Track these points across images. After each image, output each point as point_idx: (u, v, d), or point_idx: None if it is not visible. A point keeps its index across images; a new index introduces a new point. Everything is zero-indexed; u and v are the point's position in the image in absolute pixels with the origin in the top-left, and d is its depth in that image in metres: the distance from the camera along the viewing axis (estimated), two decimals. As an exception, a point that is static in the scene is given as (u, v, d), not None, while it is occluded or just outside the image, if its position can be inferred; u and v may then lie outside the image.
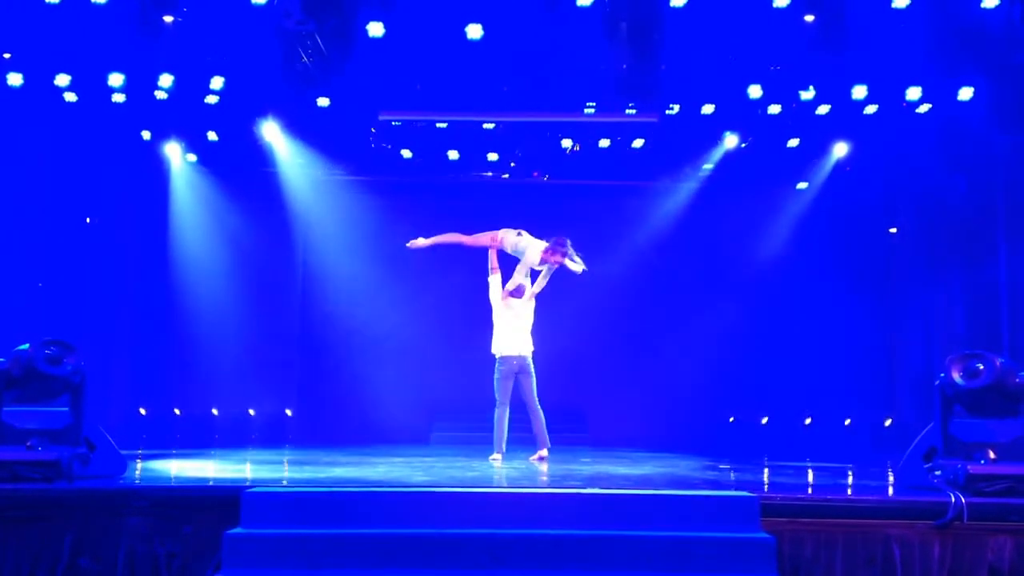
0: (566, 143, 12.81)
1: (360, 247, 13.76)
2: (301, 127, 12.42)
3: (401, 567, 5.09)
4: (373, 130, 12.61)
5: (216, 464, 8.42)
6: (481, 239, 8.97)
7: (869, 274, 13.77)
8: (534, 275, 8.88)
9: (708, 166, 13.23)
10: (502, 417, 8.64)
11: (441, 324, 13.51)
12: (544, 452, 8.65)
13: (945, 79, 10.58)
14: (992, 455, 5.94)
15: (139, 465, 7.81)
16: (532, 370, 8.71)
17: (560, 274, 8.93)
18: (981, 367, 6.13)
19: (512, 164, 13.12)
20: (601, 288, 13.48)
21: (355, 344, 13.72)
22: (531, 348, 8.77)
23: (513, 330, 8.71)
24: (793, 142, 12.54)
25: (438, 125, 12.31)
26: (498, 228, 8.99)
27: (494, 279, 8.90)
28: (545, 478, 7.04)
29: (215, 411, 13.58)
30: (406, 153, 12.96)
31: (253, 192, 13.61)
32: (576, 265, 8.73)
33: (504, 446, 8.59)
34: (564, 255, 8.63)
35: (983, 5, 9.08)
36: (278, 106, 11.93)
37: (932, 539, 5.41)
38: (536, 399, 8.67)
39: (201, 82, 10.90)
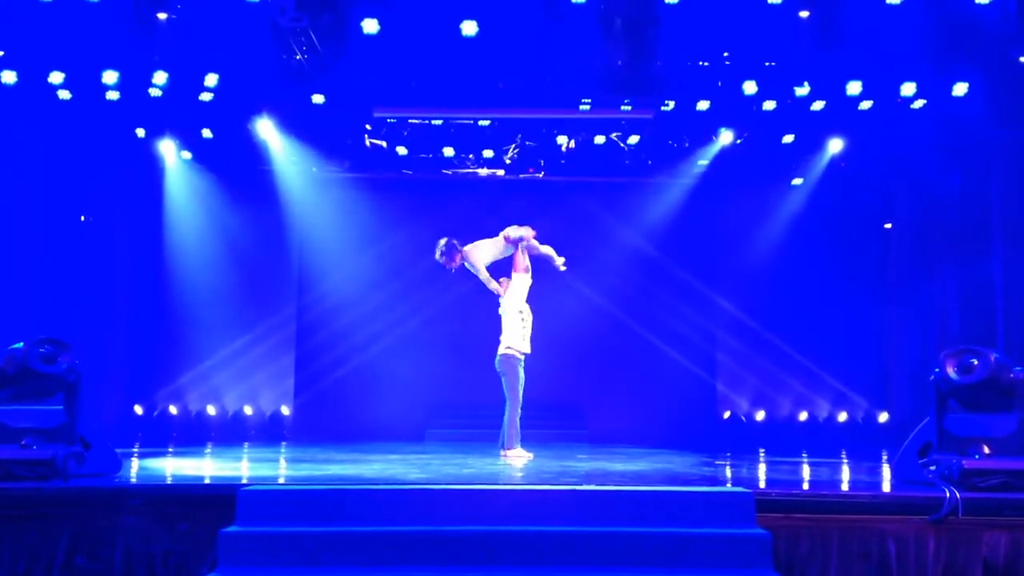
0: (562, 140, 12.81)
1: (355, 244, 13.75)
2: (296, 124, 12.40)
3: (397, 564, 5.09)
4: (369, 127, 12.59)
5: (212, 462, 8.41)
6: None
7: (864, 270, 13.80)
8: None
9: (703, 162, 13.23)
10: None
11: (437, 322, 13.52)
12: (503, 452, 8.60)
13: (940, 75, 10.59)
14: (987, 450, 5.96)
15: (134, 464, 7.79)
16: (502, 370, 8.59)
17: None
18: (976, 363, 6.14)
19: (508, 160, 13.10)
20: (597, 285, 13.53)
21: (351, 342, 13.71)
22: (500, 350, 8.66)
23: None
24: (788, 138, 12.55)
25: (433, 122, 12.30)
26: (495, 226, 9.00)
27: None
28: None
29: (211, 409, 13.57)
30: (401, 150, 12.95)
31: (248, 190, 13.59)
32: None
33: (504, 441, 8.65)
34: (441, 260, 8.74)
35: (977, 0, 9.08)
36: (273, 103, 11.90)
37: (927, 534, 5.42)
38: (507, 401, 8.56)
39: (195, 79, 10.87)
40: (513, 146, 12.95)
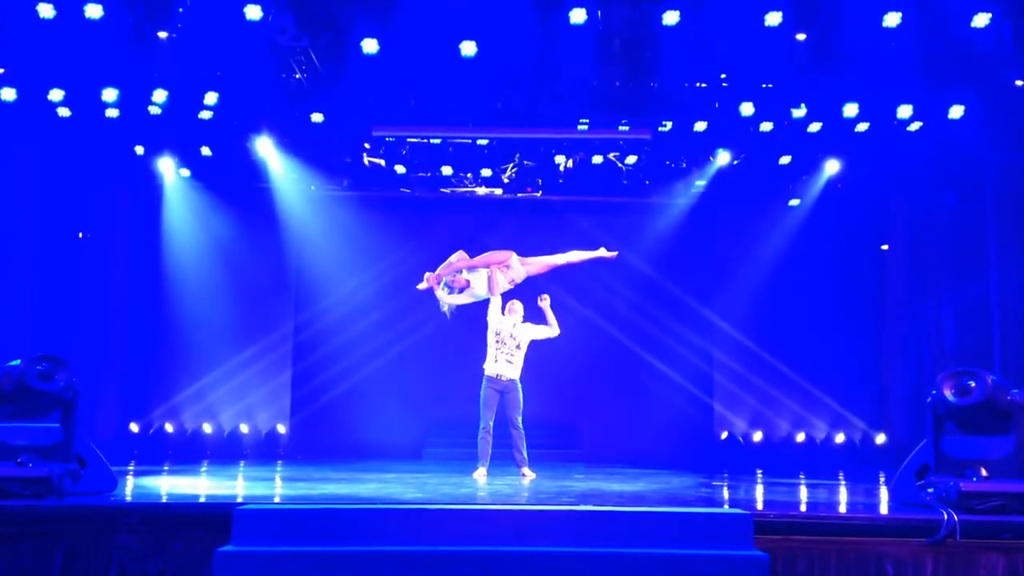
0: (560, 159, 12.84)
1: (353, 262, 13.76)
2: (295, 142, 12.43)
3: (393, 585, 5.07)
4: (367, 145, 12.62)
5: (207, 481, 8.38)
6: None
7: (861, 291, 13.82)
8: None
9: (701, 183, 13.27)
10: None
11: (435, 340, 13.48)
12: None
13: (936, 97, 10.65)
14: (984, 472, 5.96)
15: (130, 482, 7.76)
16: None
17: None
18: (973, 384, 6.14)
19: (506, 180, 13.13)
20: (594, 304, 13.52)
21: (348, 360, 13.68)
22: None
23: None
24: (785, 159, 12.59)
25: (432, 141, 12.33)
26: (493, 244, 9.03)
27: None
28: (528, 495, 7.02)
29: (207, 427, 13.53)
30: (400, 169, 12.97)
31: (247, 207, 13.61)
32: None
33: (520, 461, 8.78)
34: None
35: (973, 24, 9.14)
36: (272, 121, 11.94)
37: (925, 556, 5.41)
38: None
39: (195, 97, 10.91)
40: (511, 165, 12.98)
